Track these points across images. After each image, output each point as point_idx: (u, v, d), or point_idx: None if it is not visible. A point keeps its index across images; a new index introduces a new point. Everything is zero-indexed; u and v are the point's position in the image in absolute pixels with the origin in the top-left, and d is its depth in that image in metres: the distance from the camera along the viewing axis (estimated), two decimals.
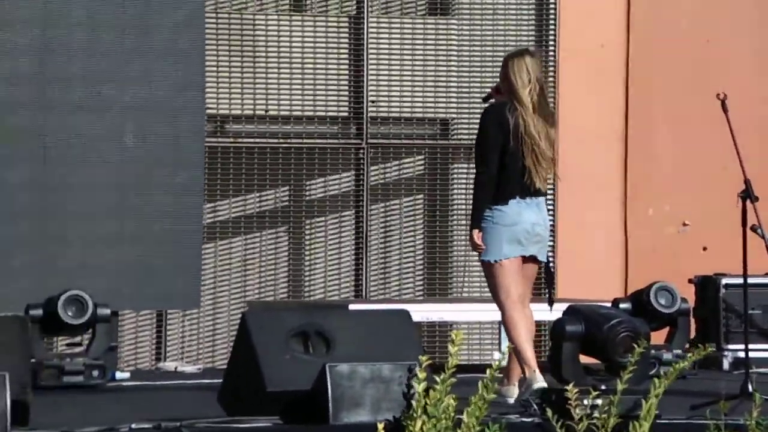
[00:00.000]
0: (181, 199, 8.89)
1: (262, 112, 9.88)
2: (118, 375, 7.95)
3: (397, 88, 10.00)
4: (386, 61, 9.98)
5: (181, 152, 8.95)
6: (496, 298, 6.60)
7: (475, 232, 6.55)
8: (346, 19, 9.96)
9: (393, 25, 10.02)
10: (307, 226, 9.87)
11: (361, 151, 9.93)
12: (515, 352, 6.47)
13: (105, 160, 8.88)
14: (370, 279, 9.83)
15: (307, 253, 9.83)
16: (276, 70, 9.87)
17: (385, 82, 9.99)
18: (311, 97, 9.90)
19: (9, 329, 5.57)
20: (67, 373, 7.34)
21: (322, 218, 9.87)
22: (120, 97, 8.91)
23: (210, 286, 9.59)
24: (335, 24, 9.94)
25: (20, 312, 7.46)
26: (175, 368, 8.67)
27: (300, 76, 9.89)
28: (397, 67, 10.00)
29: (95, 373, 7.37)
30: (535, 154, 6.49)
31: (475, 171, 6.63)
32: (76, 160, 8.82)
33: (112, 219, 8.77)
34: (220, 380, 5.82)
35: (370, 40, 9.91)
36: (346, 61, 9.92)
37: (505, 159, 6.51)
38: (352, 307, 8.15)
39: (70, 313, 7.48)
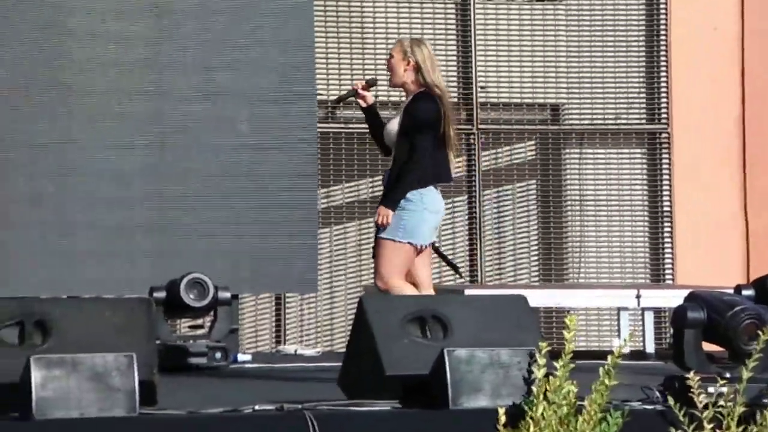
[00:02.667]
0: (295, 185, 8.99)
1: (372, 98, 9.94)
2: (240, 357, 8.09)
3: (506, 74, 10.02)
4: (494, 47, 10.00)
5: (293, 138, 9.05)
6: (386, 276, 6.59)
7: (390, 212, 6.55)
8: (453, 5, 10.00)
9: (500, 11, 10.03)
10: None
11: (472, 136, 9.96)
12: None
13: (220, 147, 9.00)
14: (485, 264, 9.86)
15: None
16: (385, 56, 9.92)
17: (494, 68, 10.02)
18: None
19: (135, 311, 5.67)
20: (191, 355, 7.46)
21: None
22: (233, 84, 9.03)
23: (326, 270, 9.69)
24: (442, 9, 9.97)
25: (144, 294, 7.61)
26: (295, 351, 8.78)
27: None
28: (506, 53, 10.01)
29: (218, 355, 7.48)
30: (453, 141, 6.61)
31: (414, 153, 6.57)
32: (192, 147, 8.96)
33: (228, 205, 8.90)
34: (339, 363, 5.88)
35: (478, 26, 9.93)
36: (454, 47, 9.95)
37: (434, 144, 6.57)
38: (468, 292, 8.19)
39: (192, 296, 7.60)
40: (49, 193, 8.68)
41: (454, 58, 9.97)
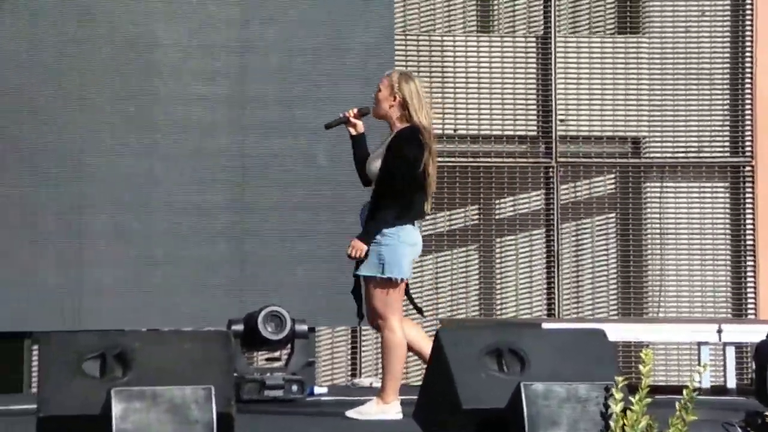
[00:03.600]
0: None
1: (451, 132, 9.97)
2: (316, 390, 8.11)
3: (587, 107, 9.99)
4: (575, 80, 9.98)
5: None
6: (384, 315, 6.49)
7: (364, 247, 6.45)
8: (534, 39, 10.00)
9: (581, 44, 10.02)
10: (498, 245, 9.92)
11: (551, 169, 9.94)
12: (389, 375, 6.44)
13: (299, 181, 9.07)
14: (563, 298, 9.81)
15: (497, 271, 9.88)
16: (464, 90, 9.95)
17: (574, 101, 9.99)
18: (499, 117, 9.96)
19: (213, 344, 5.72)
20: (268, 387, 7.50)
21: (513, 237, 9.90)
22: (313, 118, 9.09)
23: (402, 303, 9.69)
24: (523, 43, 9.98)
25: (222, 327, 7.68)
26: (371, 384, 8.78)
27: (488, 95, 9.95)
28: (586, 86, 9.99)
29: (294, 387, 7.51)
30: (433, 179, 6.56)
31: (395, 190, 6.48)
32: (272, 181, 9.03)
33: (306, 238, 8.95)
34: (414, 397, 5.87)
35: (558, 59, 9.93)
36: (534, 80, 9.95)
37: (414, 181, 6.50)
38: (545, 325, 8.15)
39: (269, 329, 7.65)
40: (132, 227, 8.80)
41: (534, 90, 9.97)
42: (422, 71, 9.94)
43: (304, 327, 7.79)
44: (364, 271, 6.43)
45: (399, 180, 6.45)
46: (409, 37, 9.93)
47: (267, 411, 7.03)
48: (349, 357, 9.61)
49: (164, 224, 8.84)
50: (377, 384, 8.75)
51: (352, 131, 6.70)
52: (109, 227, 8.76)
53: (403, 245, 6.43)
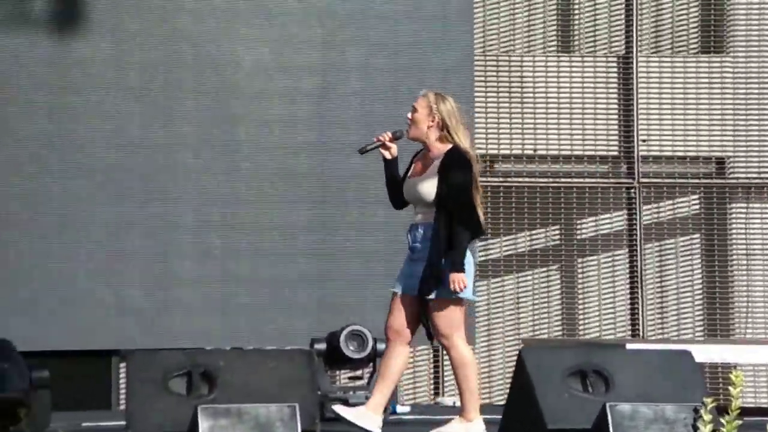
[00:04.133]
0: None
1: (531, 152, 9.95)
2: (399, 409, 8.11)
3: (669, 127, 9.93)
4: (657, 100, 9.93)
5: None
6: (449, 335, 6.39)
7: (464, 276, 6.35)
8: (615, 59, 9.96)
9: (663, 64, 9.96)
10: (579, 265, 9.87)
11: (633, 190, 9.88)
12: (468, 393, 6.32)
13: (379, 201, 9.07)
14: (647, 318, 9.74)
15: (580, 291, 9.83)
16: (544, 110, 9.93)
17: (656, 121, 9.93)
18: (580, 137, 9.92)
19: (297, 362, 5.76)
20: (351, 406, 7.51)
21: (595, 257, 9.85)
22: None
23: (484, 322, 9.69)
24: (604, 63, 9.94)
25: (305, 346, 7.71)
26: (453, 403, 8.75)
27: (568, 115, 9.92)
28: (668, 106, 9.92)
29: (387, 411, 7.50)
30: (481, 197, 6.55)
31: (464, 213, 6.39)
32: (353, 200, 9.07)
33: (387, 258, 8.96)
34: (497, 416, 5.86)
35: (640, 79, 9.88)
36: (616, 100, 9.90)
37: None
38: (629, 346, 8.09)
39: (351, 348, 7.67)
40: (216, 246, 8.87)
41: (615, 111, 9.92)
42: (501, 92, 9.93)
43: (382, 345, 7.79)
44: (437, 294, 6.37)
45: (464, 200, 6.44)
46: (488, 58, 9.93)
47: (350, 429, 7.03)
48: (431, 376, 9.61)
49: (248, 243, 8.90)
50: (460, 403, 8.74)
51: (387, 155, 6.64)
52: (193, 246, 8.83)
53: (469, 265, 6.43)
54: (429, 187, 6.44)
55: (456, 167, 6.43)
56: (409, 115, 6.57)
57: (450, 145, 6.47)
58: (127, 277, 8.72)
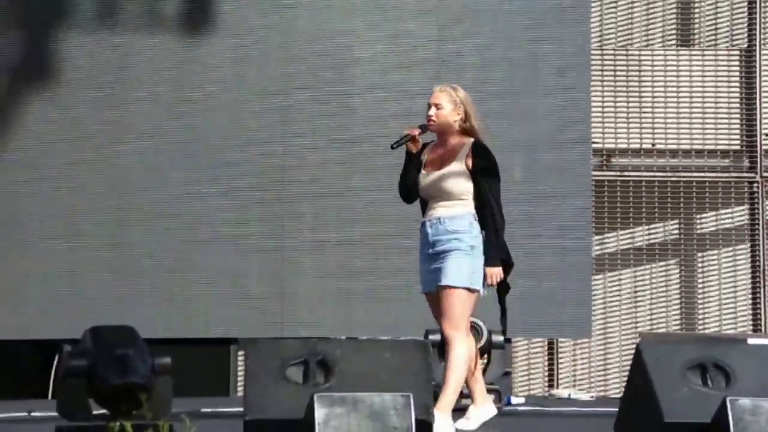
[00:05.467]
0: (569, 232, 8.99)
1: (649, 146, 9.87)
2: (514, 400, 8.12)
3: None
4: None
5: (567, 186, 9.06)
6: (459, 326, 6.32)
7: (500, 270, 6.30)
8: (737, 52, 9.83)
9: None
10: (699, 259, 9.77)
11: (755, 184, 9.75)
12: (473, 381, 6.26)
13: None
14: None
15: (699, 285, 9.73)
16: (663, 104, 9.84)
17: None
18: (700, 131, 9.81)
19: (412, 353, 5.79)
20: (465, 396, 7.54)
21: (715, 251, 9.74)
22: (509, 132, 9.11)
23: (600, 316, 9.64)
24: (725, 57, 9.82)
25: (419, 337, 7.76)
26: (569, 395, 8.73)
27: (687, 109, 9.82)
28: None
29: (492, 397, 7.54)
30: None
31: (496, 210, 6.33)
32: None
33: None
34: (613, 409, 5.82)
35: (763, 72, 9.74)
36: (737, 94, 9.78)
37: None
38: (751, 341, 7.99)
39: None
40: (332, 238, 8.96)
41: (737, 104, 9.80)
42: (619, 85, 9.87)
43: (501, 338, 7.81)
44: (456, 282, 6.29)
45: (496, 194, 6.39)
46: (605, 51, 9.87)
47: (464, 419, 7.05)
48: (546, 368, 9.59)
49: (363, 236, 8.97)
50: (576, 395, 8.72)
51: (413, 149, 6.50)
52: (310, 238, 8.93)
53: (482, 259, 6.33)
54: (457, 181, 6.36)
55: (492, 161, 6.38)
56: (431, 112, 6.43)
57: (469, 137, 6.40)
58: (245, 268, 8.85)
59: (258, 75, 8.96)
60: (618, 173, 9.87)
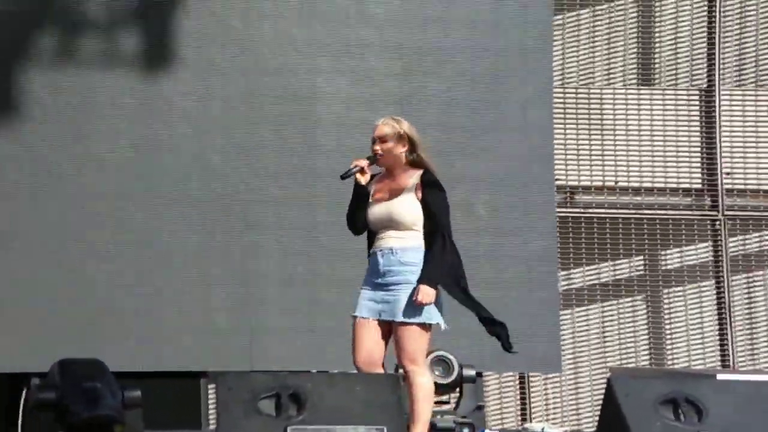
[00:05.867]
0: (535, 267, 9.00)
1: (612, 183, 9.91)
2: None
3: (754, 160, 9.86)
4: (740, 133, 9.86)
5: (532, 222, 9.08)
6: (418, 361, 6.31)
7: (434, 292, 6.29)
8: (697, 92, 9.91)
9: (747, 96, 9.90)
10: (665, 295, 9.81)
11: (718, 222, 9.81)
12: (426, 420, 6.21)
13: (459, 230, 9.04)
14: (737, 350, 9.64)
15: (666, 321, 9.76)
16: (625, 142, 9.90)
17: (740, 154, 9.87)
18: (662, 169, 9.88)
19: (383, 386, 5.77)
20: (438, 430, 7.52)
21: (680, 287, 9.78)
22: (473, 169, 9.13)
23: (569, 350, 9.64)
24: (685, 96, 9.90)
25: (390, 371, 7.71)
26: (542, 429, 8.71)
27: (649, 147, 9.89)
28: (753, 138, 9.86)
29: (465, 431, 7.52)
30: None
31: (446, 234, 6.33)
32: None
33: (469, 286, 8.95)
34: None
35: (723, 112, 9.82)
36: (698, 133, 9.86)
37: None
38: (720, 377, 8.02)
39: (437, 373, 7.69)
40: (298, 272, 8.92)
41: (698, 143, 9.87)
42: (581, 123, 9.92)
43: (472, 372, 7.80)
44: (410, 317, 6.26)
45: (447, 223, 6.38)
46: (567, 89, 9.93)
47: None
48: (518, 402, 9.57)
49: (330, 269, 8.93)
50: (549, 429, 8.69)
51: (362, 180, 6.50)
52: (277, 272, 8.88)
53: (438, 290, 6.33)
54: (409, 210, 6.33)
55: (439, 190, 6.38)
56: (377, 147, 6.43)
57: (418, 169, 6.39)
58: (213, 301, 8.79)
59: (221, 110, 8.93)
60: (582, 210, 9.91)
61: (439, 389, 7.74)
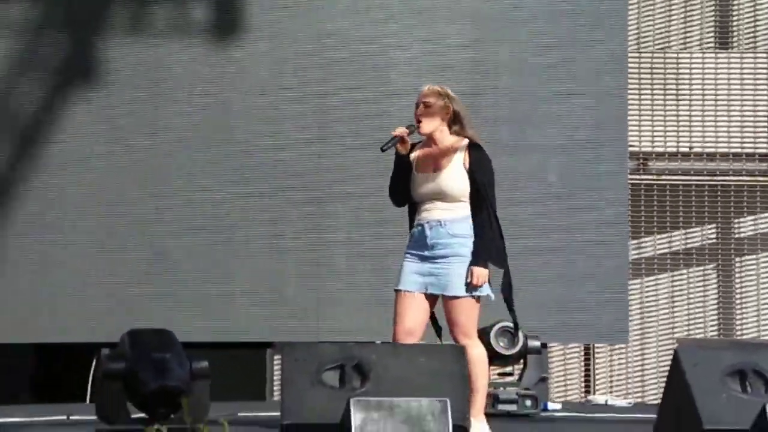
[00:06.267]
0: (605, 236, 8.96)
1: (686, 149, 9.82)
2: (550, 405, 8.10)
3: None
4: None
5: (604, 190, 9.03)
6: (471, 334, 6.25)
7: (486, 272, 6.20)
8: None
9: None
10: (737, 264, 9.72)
11: None
12: (484, 390, 6.18)
13: (530, 199, 9.06)
14: None
15: (737, 291, 9.67)
16: (700, 107, 9.79)
17: None
18: (738, 135, 9.77)
19: (447, 357, 5.79)
20: (501, 402, 7.53)
21: (753, 256, 9.69)
22: (543, 136, 9.09)
23: (637, 321, 9.60)
24: (765, 60, 9.77)
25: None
26: (606, 401, 8.70)
27: (725, 112, 9.78)
28: None
29: (528, 402, 7.52)
30: None
31: (492, 210, 6.22)
32: (503, 199, 8.99)
33: (536, 255, 8.94)
34: (651, 415, 5.79)
35: None
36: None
37: None
38: None
39: (501, 344, 7.69)
40: (367, 244, 8.96)
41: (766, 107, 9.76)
42: (656, 88, 9.83)
43: (537, 343, 7.79)
44: (462, 291, 6.21)
45: (492, 198, 6.27)
46: (643, 55, 9.84)
47: (501, 425, 7.05)
48: (582, 373, 9.56)
49: (399, 241, 8.97)
50: (613, 401, 8.67)
51: (403, 150, 6.37)
52: (346, 243, 8.94)
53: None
54: (459, 181, 6.23)
55: (488, 162, 6.29)
56: (419, 111, 6.32)
57: (464, 138, 6.30)
58: (282, 272, 8.87)
59: (294, 80, 8.97)
60: (655, 177, 9.83)
61: (503, 360, 7.75)
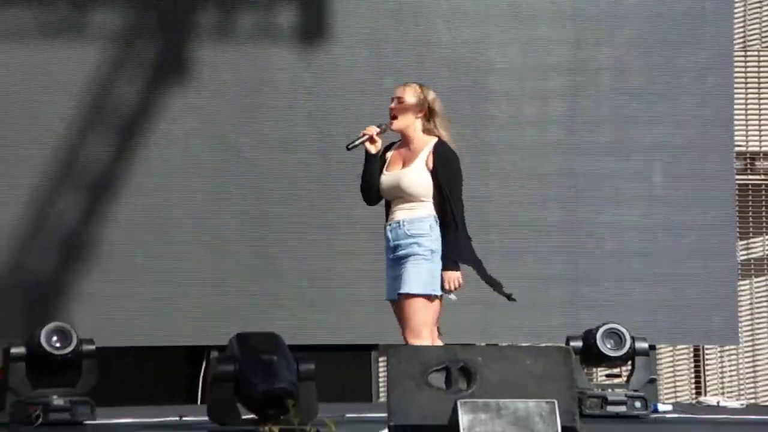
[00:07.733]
0: (712, 237, 8.86)
1: None
2: (660, 407, 8.01)
3: None
4: None
5: (710, 190, 8.93)
6: (423, 335, 6.07)
7: (459, 274, 6.05)
8: None
9: None
10: None
11: None
12: None
13: (634, 201, 8.99)
14: None
15: None
16: None
17: None
18: None
19: (554, 359, 5.75)
20: (610, 403, 7.47)
21: None
22: (647, 137, 9.01)
23: (747, 322, 9.47)
24: None
25: (558, 343, 7.71)
26: (717, 403, 8.59)
27: None
28: None
29: (637, 404, 7.46)
30: None
31: (456, 210, 6.02)
32: (605, 200, 8.99)
33: (643, 257, 8.87)
34: (765, 417, 5.69)
35: None
36: None
37: None
38: None
39: (608, 346, 7.64)
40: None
41: None
42: (763, 87, 9.70)
43: (645, 344, 7.72)
44: (415, 289, 6.06)
45: (459, 195, 6.10)
46: (749, 54, 9.71)
47: (610, 427, 7.00)
48: (692, 375, 9.45)
49: (498, 241, 8.94)
50: (725, 403, 8.55)
51: (372, 149, 6.17)
52: None
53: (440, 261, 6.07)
54: (419, 180, 6.08)
55: (453, 161, 6.10)
56: (393, 105, 6.16)
57: (434, 138, 6.13)
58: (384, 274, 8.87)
59: (395, 83, 8.97)
60: (763, 177, 9.70)
61: (611, 362, 7.69)
